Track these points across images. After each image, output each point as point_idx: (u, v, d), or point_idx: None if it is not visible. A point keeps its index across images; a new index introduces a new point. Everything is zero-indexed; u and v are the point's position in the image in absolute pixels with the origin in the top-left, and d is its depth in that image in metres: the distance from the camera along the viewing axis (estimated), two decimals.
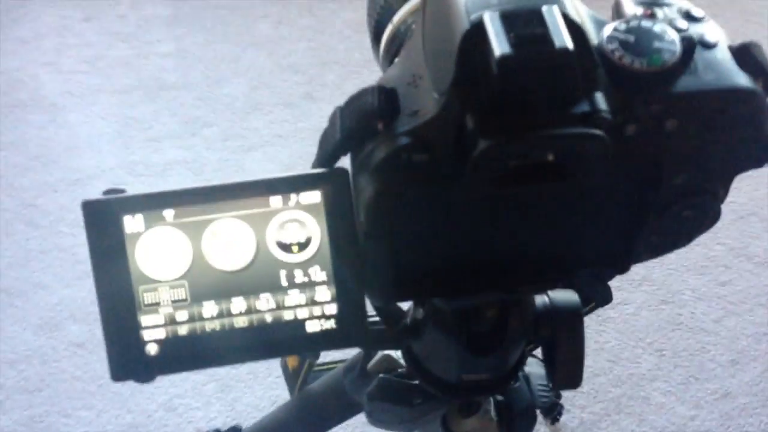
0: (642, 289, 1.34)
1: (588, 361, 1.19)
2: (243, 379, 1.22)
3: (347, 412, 0.65)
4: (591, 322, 1.28)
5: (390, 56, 0.47)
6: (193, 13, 1.85)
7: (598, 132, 0.33)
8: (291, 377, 0.68)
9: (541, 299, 0.52)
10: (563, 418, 1.18)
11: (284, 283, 0.39)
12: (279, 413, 0.72)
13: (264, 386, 1.21)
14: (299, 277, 0.39)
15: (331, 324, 0.40)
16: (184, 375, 1.21)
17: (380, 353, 0.58)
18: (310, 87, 1.69)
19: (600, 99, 0.33)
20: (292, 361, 0.66)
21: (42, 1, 1.88)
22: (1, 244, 1.39)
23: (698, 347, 1.27)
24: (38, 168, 1.52)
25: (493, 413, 0.56)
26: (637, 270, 1.35)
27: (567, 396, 1.19)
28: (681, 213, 0.39)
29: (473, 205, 0.37)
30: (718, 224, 1.35)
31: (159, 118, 1.62)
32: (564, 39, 0.32)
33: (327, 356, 0.79)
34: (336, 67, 1.73)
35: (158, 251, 0.38)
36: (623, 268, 0.44)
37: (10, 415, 1.16)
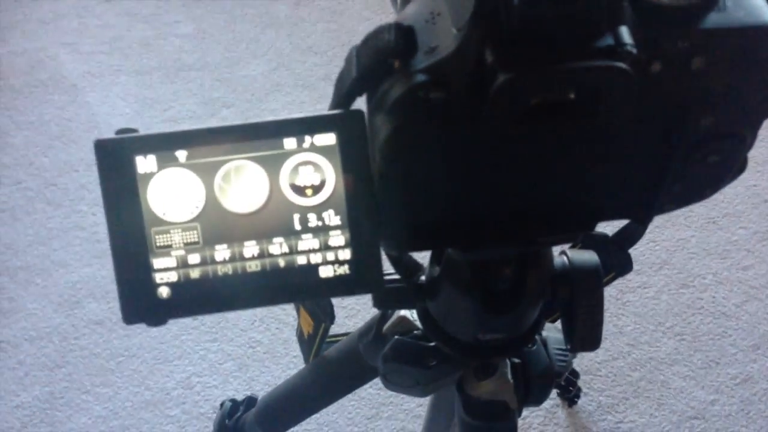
0: (662, 272, 1.32)
1: (606, 345, 1.19)
2: (260, 358, 1.22)
3: (363, 376, 0.65)
4: (610, 306, 1.27)
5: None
6: None
7: (622, 65, 0.32)
8: (306, 343, 0.67)
9: (559, 258, 0.51)
10: (581, 401, 1.17)
11: (297, 227, 0.38)
12: (294, 380, 0.71)
13: (281, 365, 1.21)
14: (313, 221, 0.38)
15: (344, 269, 0.39)
16: (202, 353, 1.22)
17: (395, 315, 0.57)
18: (329, 68, 1.68)
19: (625, 33, 0.32)
20: (307, 326, 0.65)
21: None
22: (22, 222, 1.40)
23: (719, 332, 1.26)
24: (59, 147, 1.52)
25: (509, 376, 0.55)
26: (658, 254, 1.34)
27: (585, 379, 1.19)
28: (707, 158, 0.38)
29: (491, 146, 0.36)
30: (741, 208, 1.34)
31: (178, 98, 1.62)
32: None
33: (342, 327, 0.79)
34: None
35: (171, 193, 0.38)
36: (645, 219, 0.43)
37: (30, 392, 1.17)
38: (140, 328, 1.25)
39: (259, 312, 1.26)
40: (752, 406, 1.17)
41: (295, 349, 1.21)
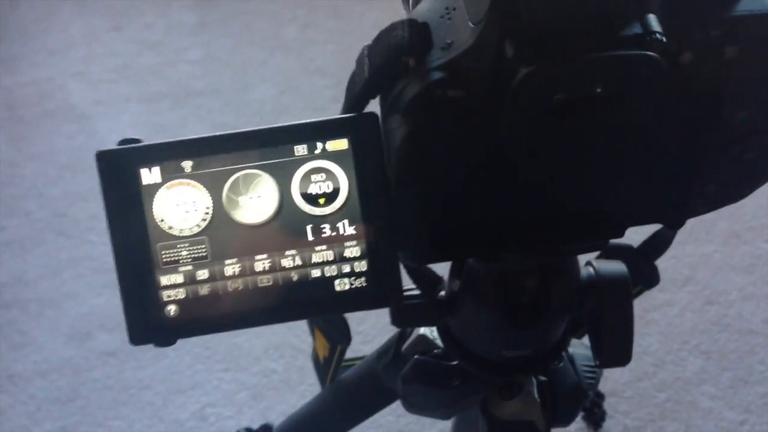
0: (686, 289, 1.30)
1: (631, 365, 1.15)
2: (275, 386, 1.20)
3: (382, 399, 0.63)
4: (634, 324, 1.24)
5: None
6: (220, 19, 1.85)
7: (652, 54, 0.30)
8: (322, 367, 0.65)
9: (586, 269, 0.49)
10: (606, 424, 1.14)
11: (311, 238, 0.37)
12: (311, 406, 0.69)
13: (297, 394, 1.19)
14: (327, 231, 0.37)
15: (361, 282, 0.37)
16: (216, 383, 1.20)
17: (415, 334, 0.55)
18: (338, 90, 1.66)
19: (653, 20, 0.31)
20: (323, 350, 0.63)
21: (70, 11, 1.89)
22: (32, 253, 1.38)
23: (746, 349, 1.22)
24: (68, 177, 1.52)
25: (536, 395, 0.52)
26: (681, 270, 1.31)
27: (610, 401, 1.16)
28: (742, 156, 0.36)
29: (513, 147, 0.34)
30: (765, 222, 1.30)
31: (187, 124, 1.61)
32: None
33: (358, 353, 0.76)
34: None
35: (177, 205, 0.36)
36: (677, 223, 0.40)
37: (42, 426, 1.15)
38: (153, 358, 1.24)
39: (274, 339, 1.24)
40: None
41: (311, 377, 1.18)
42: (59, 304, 1.31)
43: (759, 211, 1.35)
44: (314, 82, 1.70)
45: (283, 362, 1.22)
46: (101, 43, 1.81)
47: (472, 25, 0.32)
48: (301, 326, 1.23)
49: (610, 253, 0.53)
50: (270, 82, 1.70)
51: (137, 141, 0.36)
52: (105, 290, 1.32)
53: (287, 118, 1.63)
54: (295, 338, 1.24)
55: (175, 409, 1.17)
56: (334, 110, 1.62)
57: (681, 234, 0.50)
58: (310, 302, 0.37)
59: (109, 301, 1.31)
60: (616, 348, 0.48)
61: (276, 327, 1.24)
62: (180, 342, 0.37)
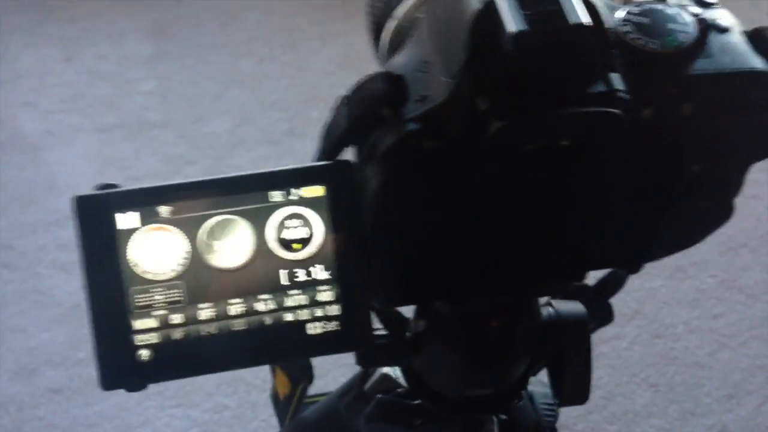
0: (634, 323, 1.32)
1: None
2: (228, 423, 1.18)
3: None
4: None
5: (394, 50, 0.46)
6: (175, 50, 1.85)
7: (615, 111, 0.32)
8: (282, 406, 0.65)
9: (546, 310, 0.50)
10: None
11: (285, 282, 0.37)
12: None
13: (249, 430, 1.18)
14: (301, 276, 0.37)
15: (333, 326, 0.38)
16: (167, 420, 1.18)
17: (378, 373, 0.56)
18: (294, 123, 1.68)
19: (616, 79, 0.33)
20: (283, 388, 0.63)
21: (21, 41, 1.87)
22: None
23: (693, 382, 1.25)
24: (16, 209, 1.49)
25: None
26: (629, 304, 1.34)
27: None
28: (697, 204, 0.38)
29: (485, 195, 0.36)
30: (708, 257, 1.34)
31: (140, 156, 1.60)
32: (579, 15, 0.31)
33: (311, 389, 0.76)
34: (320, 104, 1.72)
35: (153, 250, 0.36)
36: (636, 267, 0.42)
37: None
38: (101, 395, 1.21)
39: (226, 375, 1.23)
40: None
41: (264, 413, 1.17)
42: (4, 338, 1.28)
43: (702, 246, 1.37)
44: (269, 116, 1.70)
45: (236, 398, 1.21)
46: (52, 73, 1.79)
47: (446, 79, 0.33)
48: None
49: (566, 291, 0.54)
50: (225, 115, 1.70)
51: (114, 186, 0.36)
52: (52, 325, 1.30)
53: (242, 152, 1.64)
54: (248, 374, 1.23)
55: None
56: (289, 143, 1.64)
57: None
58: (283, 346, 0.38)
59: (56, 337, 1.28)
60: (575, 386, 0.50)
61: None
62: None
